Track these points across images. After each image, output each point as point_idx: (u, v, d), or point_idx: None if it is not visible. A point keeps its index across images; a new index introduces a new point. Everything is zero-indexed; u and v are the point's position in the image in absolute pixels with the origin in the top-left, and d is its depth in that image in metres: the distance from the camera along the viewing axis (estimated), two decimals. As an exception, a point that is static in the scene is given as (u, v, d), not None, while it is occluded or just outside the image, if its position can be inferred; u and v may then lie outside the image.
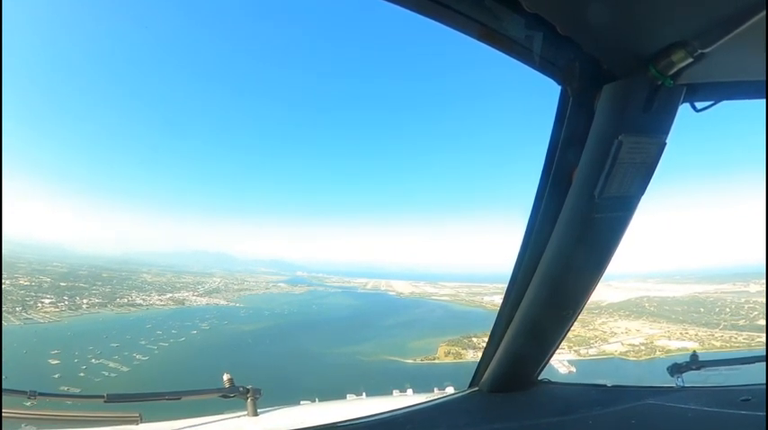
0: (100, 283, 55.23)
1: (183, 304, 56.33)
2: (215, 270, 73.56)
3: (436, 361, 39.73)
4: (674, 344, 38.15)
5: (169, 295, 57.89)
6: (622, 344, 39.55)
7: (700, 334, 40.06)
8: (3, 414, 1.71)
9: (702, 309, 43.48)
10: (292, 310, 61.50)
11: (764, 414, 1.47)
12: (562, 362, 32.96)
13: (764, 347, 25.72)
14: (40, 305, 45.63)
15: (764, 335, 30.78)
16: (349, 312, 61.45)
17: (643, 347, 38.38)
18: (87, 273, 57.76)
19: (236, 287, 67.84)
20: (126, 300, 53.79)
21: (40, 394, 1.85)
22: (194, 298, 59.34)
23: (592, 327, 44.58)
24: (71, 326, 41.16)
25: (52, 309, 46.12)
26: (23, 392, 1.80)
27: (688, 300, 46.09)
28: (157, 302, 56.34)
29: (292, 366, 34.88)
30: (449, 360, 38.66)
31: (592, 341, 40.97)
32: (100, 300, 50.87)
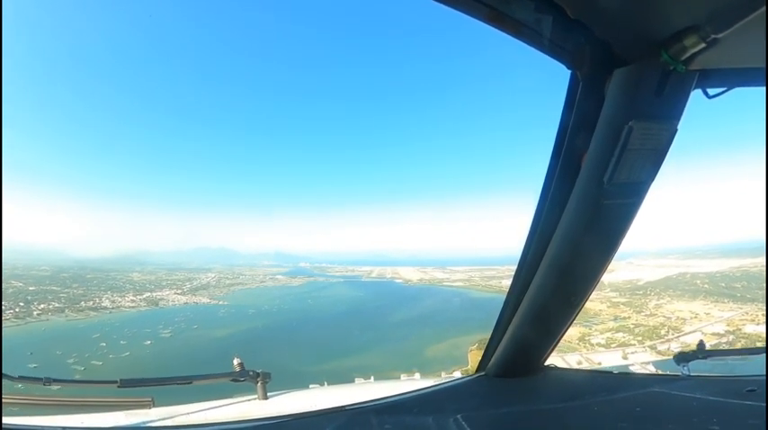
0: (76, 286, 49.70)
1: (158, 305, 50.09)
2: (214, 265, 68.56)
3: (472, 378, 28.77)
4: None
5: (146, 295, 51.90)
6: (703, 333, 31.60)
7: (790, 314, 32.45)
8: (19, 400, 1.82)
9: (769, 285, 36.85)
10: (283, 307, 55.30)
11: (764, 404, 1.51)
12: (645, 367, 22.73)
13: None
14: (-18, 313, 39.69)
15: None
16: (349, 306, 53.68)
17: (732, 337, 30.44)
18: (70, 275, 52.23)
19: (228, 282, 61.13)
20: (91, 304, 47.20)
21: (55, 380, 1.97)
22: (175, 296, 53.36)
23: (648, 312, 38.01)
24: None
25: (-5, 316, 40.30)
26: (38, 379, 1.92)
27: (739, 275, 40.03)
28: (128, 304, 49.37)
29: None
30: (489, 375, 27.72)
31: (661, 331, 34.03)
32: (60, 305, 44.90)
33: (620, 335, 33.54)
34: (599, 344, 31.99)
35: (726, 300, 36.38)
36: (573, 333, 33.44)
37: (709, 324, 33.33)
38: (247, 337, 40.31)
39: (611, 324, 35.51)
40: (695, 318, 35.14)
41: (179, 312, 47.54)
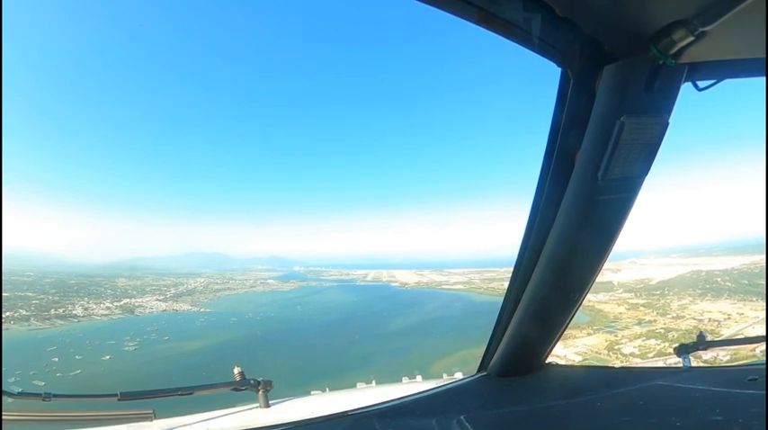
0: (53, 292, 46.58)
1: (133, 313, 46.66)
2: (207, 270, 66.97)
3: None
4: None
5: (124, 301, 48.37)
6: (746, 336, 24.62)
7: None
8: (19, 417, 1.81)
9: (799, 283, 35.25)
10: (268, 314, 52.76)
11: (765, 393, 1.53)
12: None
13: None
14: (-64, 322, 38.24)
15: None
16: (341, 313, 50.21)
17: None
18: (52, 281, 49.35)
19: (216, 287, 58.44)
20: (61, 311, 43.66)
21: (55, 396, 1.93)
22: (155, 303, 49.86)
23: (674, 314, 34.47)
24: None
25: (-53, 326, 38.54)
26: (38, 395, 1.90)
27: (758, 271, 37.67)
28: (102, 312, 45.73)
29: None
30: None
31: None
32: (26, 313, 41.49)
33: (653, 342, 30.04)
34: (632, 355, 28.48)
35: (755, 299, 33.48)
36: (598, 341, 30.82)
37: (749, 325, 29.66)
38: (222, 352, 34.99)
39: (637, 329, 32.40)
40: (729, 319, 31.84)
41: (154, 321, 43.62)
